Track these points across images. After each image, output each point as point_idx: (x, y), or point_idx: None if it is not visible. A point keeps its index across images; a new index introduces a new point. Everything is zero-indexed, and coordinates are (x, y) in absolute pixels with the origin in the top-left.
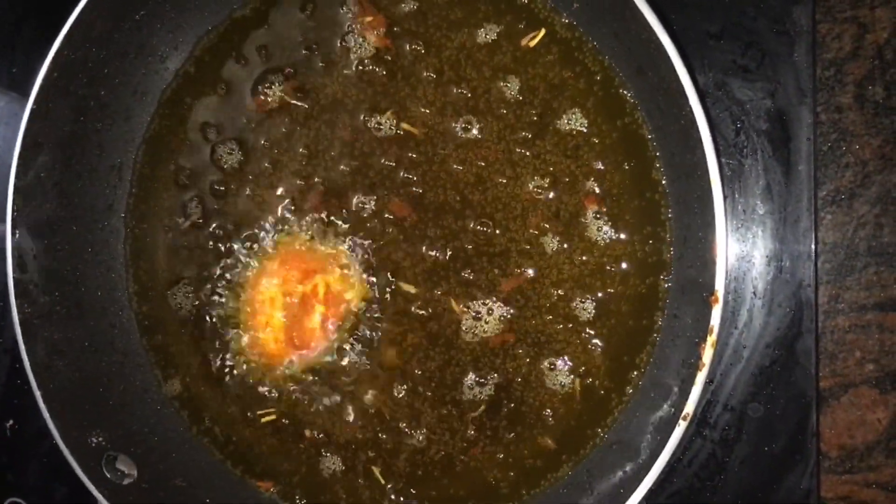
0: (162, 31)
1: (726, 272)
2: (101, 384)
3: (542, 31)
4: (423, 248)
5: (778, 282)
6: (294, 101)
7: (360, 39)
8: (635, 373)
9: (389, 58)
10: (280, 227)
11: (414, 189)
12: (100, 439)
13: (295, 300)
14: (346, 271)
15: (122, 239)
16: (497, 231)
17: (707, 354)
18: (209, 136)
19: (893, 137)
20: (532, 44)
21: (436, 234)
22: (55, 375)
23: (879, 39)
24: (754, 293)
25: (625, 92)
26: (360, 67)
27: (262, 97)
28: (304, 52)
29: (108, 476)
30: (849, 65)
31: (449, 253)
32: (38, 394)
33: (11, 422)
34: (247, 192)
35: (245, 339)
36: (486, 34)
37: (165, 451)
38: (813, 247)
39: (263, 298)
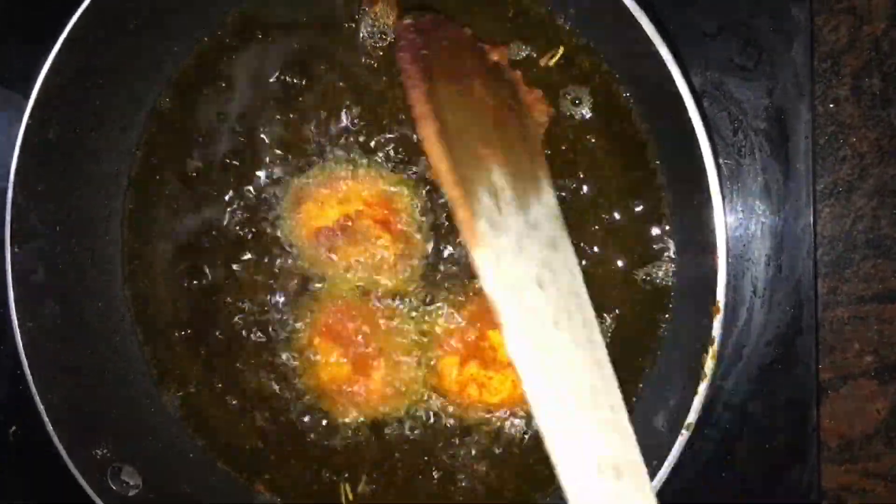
0: (157, 38)
1: (727, 275)
2: (104, 395)
3: (561, 50)
4: None
5: (777, 280)
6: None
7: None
8: (637, 380)
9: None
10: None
11: None
12: (105, 451)
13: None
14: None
15: (120, 248)
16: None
17: (709, 365)
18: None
19: (891, 130)
20: (552, 62)
21: None
22: (58, 388)
23: (876, 30)
24: (754, 292)
25: (622, 93)
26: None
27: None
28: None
29: (114, 488)
30: (845, 56)
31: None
32: (41, 408)
33: (14, 428)
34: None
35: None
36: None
37: (170, 461)
38: (812, 244)
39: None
